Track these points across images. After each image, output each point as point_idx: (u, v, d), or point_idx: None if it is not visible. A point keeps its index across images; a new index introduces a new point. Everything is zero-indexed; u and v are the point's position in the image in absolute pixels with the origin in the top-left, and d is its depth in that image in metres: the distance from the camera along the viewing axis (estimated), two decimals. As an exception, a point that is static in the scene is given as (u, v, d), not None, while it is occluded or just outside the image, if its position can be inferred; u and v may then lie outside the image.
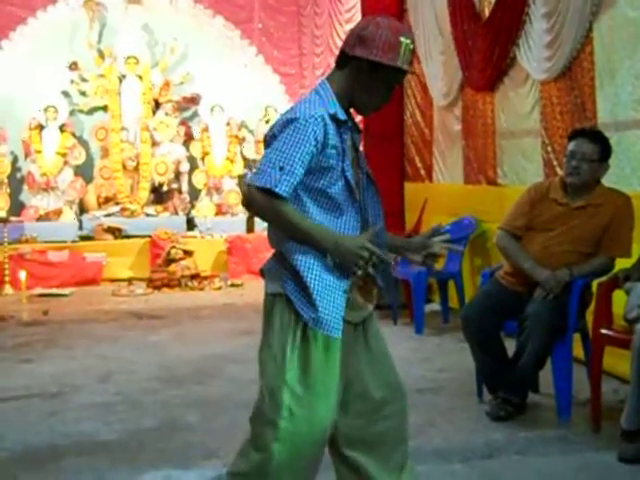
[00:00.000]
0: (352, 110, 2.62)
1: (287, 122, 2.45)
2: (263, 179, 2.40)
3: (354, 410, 2.61)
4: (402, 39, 2.48)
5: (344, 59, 2.56)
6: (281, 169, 2.39)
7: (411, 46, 2.50)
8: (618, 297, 4.00)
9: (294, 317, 2.48)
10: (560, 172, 4.99)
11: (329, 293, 2.46)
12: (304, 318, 2.46)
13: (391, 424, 2.64)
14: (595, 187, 4.27)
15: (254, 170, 2.49)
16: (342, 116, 2.52)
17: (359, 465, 2.62)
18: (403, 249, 2.76)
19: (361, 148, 2.68)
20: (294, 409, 2.45)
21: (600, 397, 4.04)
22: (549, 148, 6.01)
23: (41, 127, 10.53)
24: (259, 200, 2.43)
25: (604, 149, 4.23)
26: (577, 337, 4.33)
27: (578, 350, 4.37)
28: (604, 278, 4.16)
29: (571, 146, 4.24)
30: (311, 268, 2.46)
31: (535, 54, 6.05)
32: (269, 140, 2.51)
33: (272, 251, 2.64)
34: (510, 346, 4.34)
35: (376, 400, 2.61)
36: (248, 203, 2.49)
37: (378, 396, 2.61)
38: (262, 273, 2.62)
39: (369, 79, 2.51)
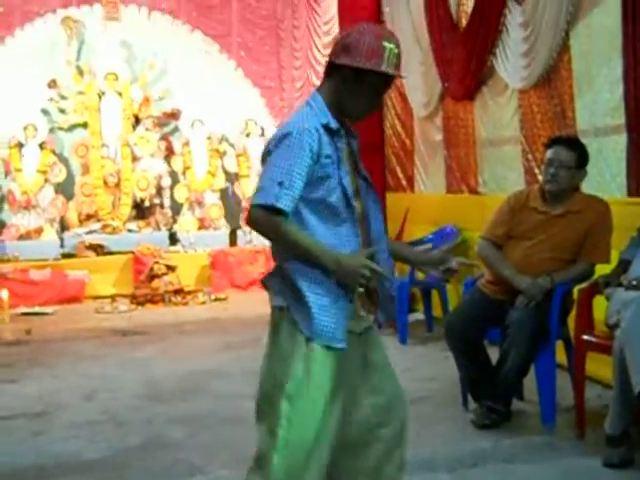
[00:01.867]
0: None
1: (281, 137, 2.46)
2: (263, 196, 2.40)
3: (349, 419, 2.60)
4: (385, 44, 2.48)
5: (331, 68, 2.57)
6: (280, 184, 2.38)
7: (396, 50, 2.51)
8: (599, 303, 4.03)
9: (298, 331, 2.48)
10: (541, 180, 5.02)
11: (331, 306, 2.47)
12: (305, 332, 2.46)
13: (387, 431, 2.64)
14: (574, 194, 4.30)
15: (254, 189, 2.47)
16: (334, 125, 2.52)
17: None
18: (421, 263, 2.79)
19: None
20: (292, 418, 2.45)
21: (584, 403, 4.06)
22: (530, 156, 6.05)
23: (21, 145, 10.49)
24: (260, 218, 2.42)
25: (581, 156, 4.26)
26: (559, 344, 4.35)
27: (561, 356, 4.39)
28: (584, 284, 4.19)
29: (549, 154, 4.27)
30: (312, 283, 2.46)
31: (512, 63, 6.10)
32: (265, 157, 2.51)
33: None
34: (494, 354, 4.35)
35: (369, 408, 2.61)
36: (250, 221, 2.47)
37: (372, 403, 2.62)
38: (265, 285, 2.60)
39: (356, 86, 2.52)
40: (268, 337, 2.59)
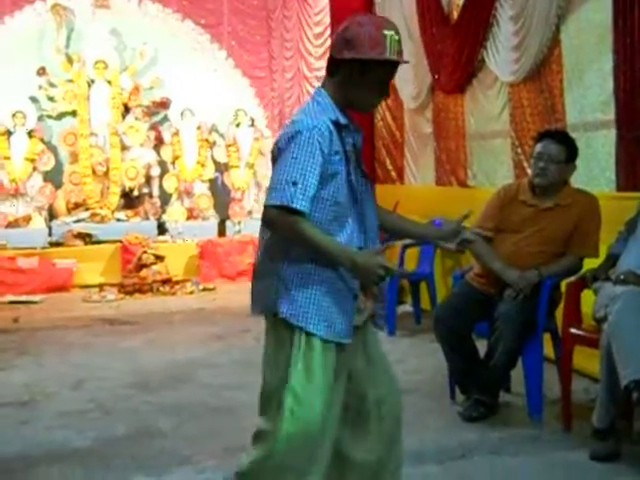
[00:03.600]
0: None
1: (292, 136, 2.45)
2: (278, 196, 2.39)
3: (352, 409, 2.65)
4: (385, 32, 2.50)
5: (334, 64, 2.57)
6: (294, 184, 2.38)
7: (396, 37, 2.52)
8: (587, 297, 4.05)
9: (297, 330, 2.49)
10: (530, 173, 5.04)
11: (334, 302, 2.50)
12: (307, 329, 2.47)
13: (385, 425, 2.68)
14: (563, 188, 4.31)
15: (268, 188, 2.48)
16: (343, 120, 2.54)
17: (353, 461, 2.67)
18: (435, 238, 2.84)
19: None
20: (295, 410, 2.47)
21: (571, 396, 4.07)
22: (519, 150, 6.06)
23: (9, 133, 10.44)
24: (276, 218, 2.41)
25: (571, 150, 4.26)
26: (547, 337, 4.37)
27: (549, 350, 4.41)
28: (573, 278, 4.20)
29: (538, 148, 4.28)
30: (313, 280, 2.48)
31: (502, 56, 6.11)
32: (275, 155, 2.51)
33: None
34: (482, 347, 4.37)
35: (371, 400, 2.65)
36: (266, 222, 2.47)
37: (373, 397, 2.66)
38: (257, 311, 2.61)
39: (363, 78, 2.53)
40: (267, 342, 2.60)
